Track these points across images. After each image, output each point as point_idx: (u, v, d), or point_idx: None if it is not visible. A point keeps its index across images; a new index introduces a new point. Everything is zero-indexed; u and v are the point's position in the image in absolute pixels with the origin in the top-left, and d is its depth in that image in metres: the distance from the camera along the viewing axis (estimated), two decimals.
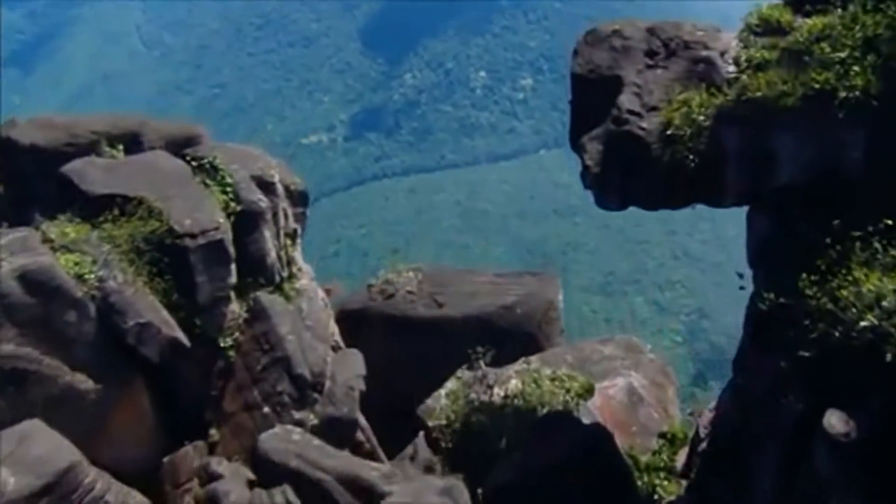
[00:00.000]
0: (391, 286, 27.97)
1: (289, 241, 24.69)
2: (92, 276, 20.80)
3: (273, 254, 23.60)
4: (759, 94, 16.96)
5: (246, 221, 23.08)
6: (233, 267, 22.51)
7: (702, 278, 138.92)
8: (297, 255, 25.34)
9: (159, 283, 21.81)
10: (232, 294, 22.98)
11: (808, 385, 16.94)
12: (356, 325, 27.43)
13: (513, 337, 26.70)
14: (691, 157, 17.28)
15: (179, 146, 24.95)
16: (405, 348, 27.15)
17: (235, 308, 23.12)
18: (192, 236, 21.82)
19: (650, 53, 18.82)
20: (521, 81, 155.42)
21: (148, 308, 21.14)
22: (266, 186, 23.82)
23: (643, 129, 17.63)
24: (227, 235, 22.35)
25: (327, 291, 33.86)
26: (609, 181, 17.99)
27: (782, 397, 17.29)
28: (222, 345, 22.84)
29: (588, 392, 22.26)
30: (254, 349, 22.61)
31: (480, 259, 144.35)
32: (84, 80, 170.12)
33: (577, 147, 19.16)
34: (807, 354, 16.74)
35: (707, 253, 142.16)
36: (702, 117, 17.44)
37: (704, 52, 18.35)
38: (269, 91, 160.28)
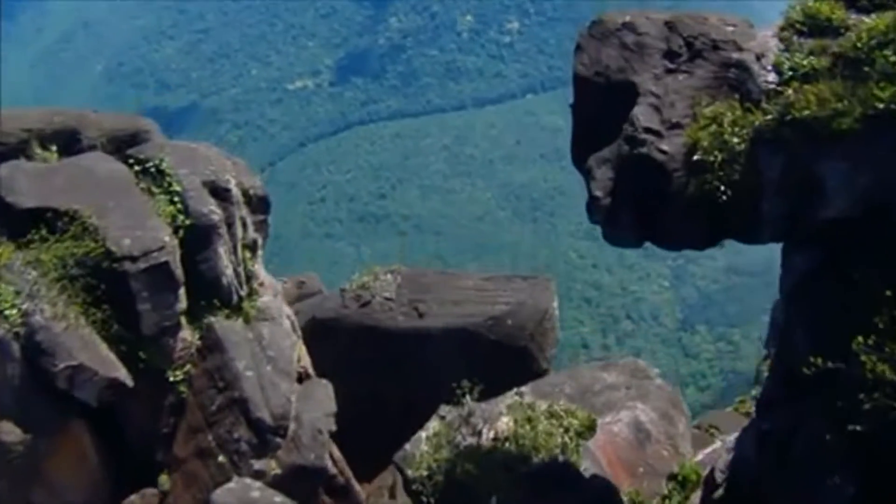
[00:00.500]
0: (367, 291, 24.51)
1: (248, 254, 21.13)
2: (15, 310, 17.35)
3: (229, 271, 20.08)
4: (807, 113, 13.39)
5: (196, 237, 19.50)
6: (181, 292, 19.03)
7: None
8: (259, 268, 21.80)
9: (95, 313, 18.34)
10: (182, 320, 19.54)
11: (860, 466, 13.77)
12: (328, 336, 24.08)
13: (502, 351, 23.39)
14: (723, 188, 13.83)
15: (124, 144, 21.25)
16: (382, 363, 23.81)
17: (187, 335, 19.68)
18: (133, 259, 18.29)
19: (670, 54, 15.15)
20: (508, 25, 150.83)
21: (81, 346, 17.71)
22: (220, 193, 20.18)
23: (663, 152, 14.08)
24: (174, 256, 18.82)
25: (301, 284, 30.52)
26: (621, 215, 14.45)
27: (828, 477, 14.11)
28: (172, 379, 19.47)
29: (589, 430, 19.05)
30: (207, 386, 19.24)
31: (467, 204, 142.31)
32: (65, 27, 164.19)
33: (583, 169, 15.66)
34: (858, 428, 13.54)
35: None
36: (735, 139, 13.88)
37: (737, 55, 14.72)
38: (253, 36, 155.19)
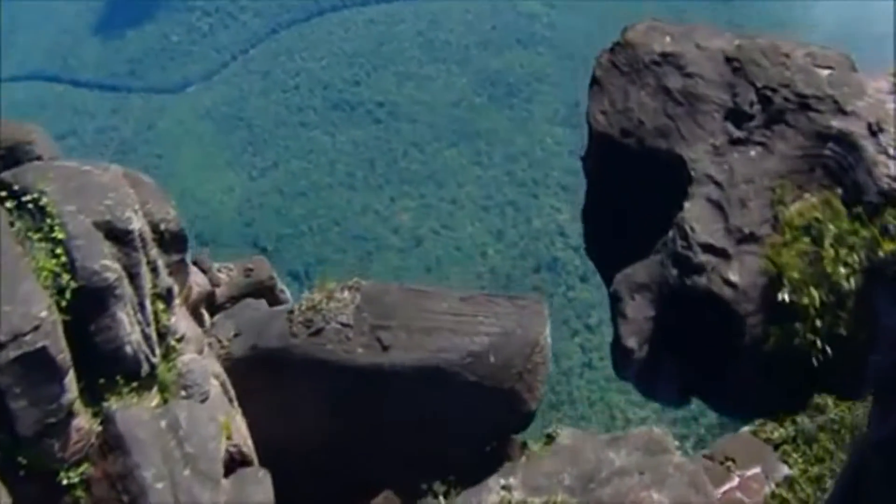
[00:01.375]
0: (319, 315, 19.33)
1: (161, 306, 15.85)
2: None
3: (135, 336, 14.89)
4: None
5: (87, 302, 14.24)
6: (67, 380, 13.87)
7: None
8: (178, 319, 16.58)
9: None
10: (78, 403, 14.52)
11: None
12: (273, 370, 19.09)
13: (484, 394, 18.55)
14: (820, 343, 8.85)
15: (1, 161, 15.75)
16: (337, 406, 18.94)
17: (83, 423, 14.56)
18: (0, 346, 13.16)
19: (736, 115, 9.83)
20: None
21: None
22: (120, 237, 14.80)
23: (732, 285, 8.98)
24: (55, 336, 13.55)
25: (248, 271, 25.49)
26: (664, 367, 9.48)
27: None
28: (65, 482, 14.60)
29: None
30: (108, 497, 14.38)
31: (443, 91, 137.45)
32: None
33: (600, 267, 10.60)
34: None
35: None
36: (842, 269, 8.83)
37: (838, 122, 9.48)
38: None
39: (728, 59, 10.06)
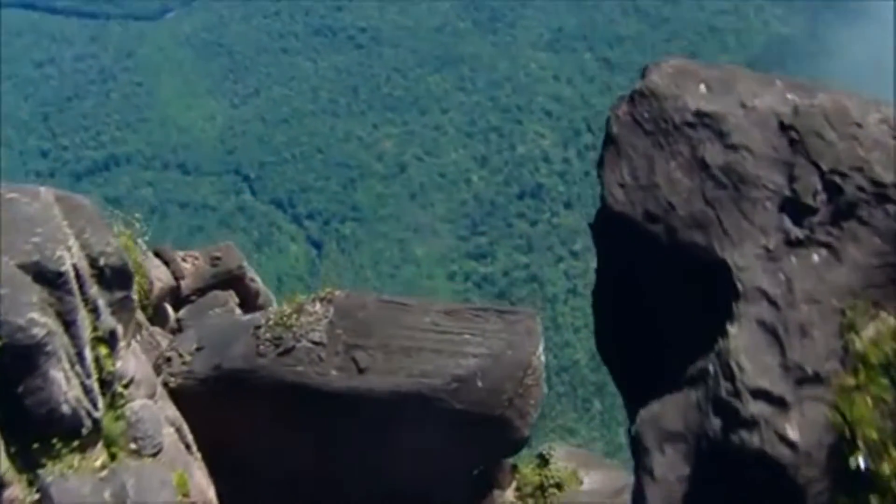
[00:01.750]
0: (289, 331, 17.20)
1: (104, 351, 13.61)
2: None
3: (73, 393, 12.64)
4: None
5: (13, 362, 12.06)
6: None
7: (651, 35, 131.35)
8: (125, 361, 14.33)
9: None
10: (11, 471, 12.45)
11: None
12: (238, 394, 17.05)
13: (471, 422, 16.57)
14: None
15: None
16: (310, 434, 16.98)
17: (17, 492, 12.51)
18: None
19: (796, 207, 7.53)
20: None
21: None
22: (51, 281, 12.51)
23: (790, 444, 6.85)
24: None
25: (215, 260, 23.27)
26: None
27: None
28: None
29: None
30: None
31: (426, 15, 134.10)
32: None
33: (612, 367, 8.47)
34: None
35: (657, 8, 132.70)
36: None
37: None
38: None
39: (783, 127, 7.71)
